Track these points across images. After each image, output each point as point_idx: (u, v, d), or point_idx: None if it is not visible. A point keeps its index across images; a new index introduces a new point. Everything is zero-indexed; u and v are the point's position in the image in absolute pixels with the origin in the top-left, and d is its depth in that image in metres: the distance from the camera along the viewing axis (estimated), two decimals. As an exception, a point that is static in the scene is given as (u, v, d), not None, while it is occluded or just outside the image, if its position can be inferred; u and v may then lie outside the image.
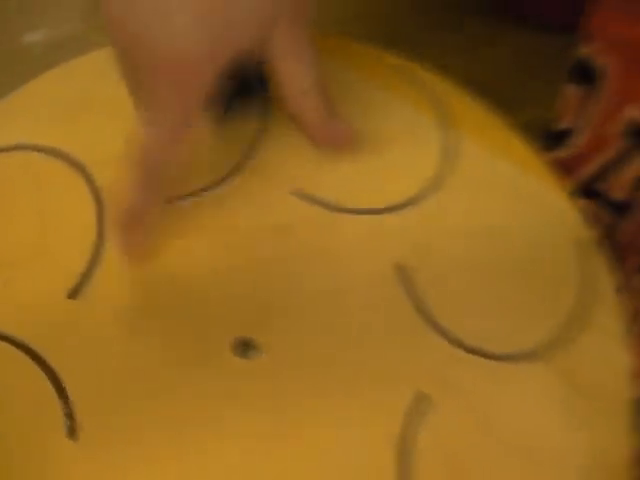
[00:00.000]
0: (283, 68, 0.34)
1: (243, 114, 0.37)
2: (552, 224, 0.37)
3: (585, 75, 0.37)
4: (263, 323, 0.33)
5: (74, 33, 0.47)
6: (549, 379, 0.33)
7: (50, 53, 0.47)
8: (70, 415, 0.30)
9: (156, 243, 0.34)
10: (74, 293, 0.33)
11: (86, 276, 0.33)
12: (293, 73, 0.35)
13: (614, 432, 0.32)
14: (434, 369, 0.33)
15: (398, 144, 0.38)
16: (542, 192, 0.37)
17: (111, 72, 0.33)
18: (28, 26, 0.48)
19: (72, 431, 0.30)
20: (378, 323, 0.33)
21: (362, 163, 0.37)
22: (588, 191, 0.38)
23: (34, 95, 0.38)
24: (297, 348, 0.33)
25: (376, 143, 0.37)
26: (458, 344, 0.33)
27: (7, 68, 0.46)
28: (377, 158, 0.37)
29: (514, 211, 0.37)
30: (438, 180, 0.37)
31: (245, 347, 0.32)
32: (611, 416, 0.33)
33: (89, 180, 0.35)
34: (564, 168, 0.38)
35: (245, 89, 0.36)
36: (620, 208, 0.37)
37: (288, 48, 0.34)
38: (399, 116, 0.39)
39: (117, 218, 0.33)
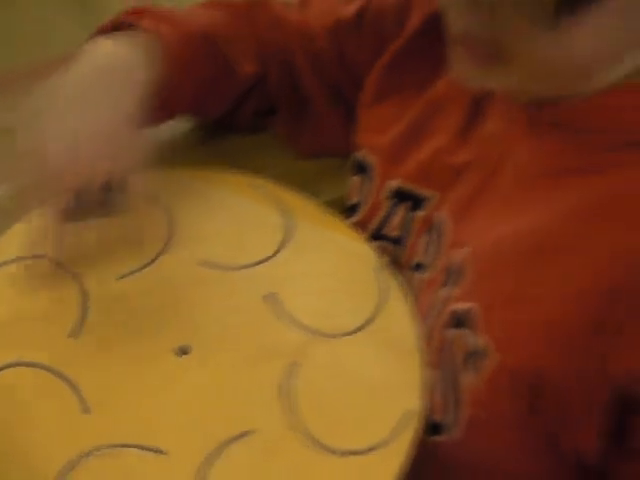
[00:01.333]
0: None
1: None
2: (359, 258, 0.60)
3: (361, 168, 0.62)
4: (191, 335, 0.54)
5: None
6: (370, 343, 0.55)
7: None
8: (83, 400, 0.50)
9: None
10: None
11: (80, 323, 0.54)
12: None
13: (413, 366, 0.54)
14: (298, 348, 0.54)
15: (258, 225, 0.61)
16: (349, 242, 0.61)
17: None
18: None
19: (86, 409, 0.50)
20: (261, 327, 0.55)
21: (236, 238, 0.60)
22: (377, 236, 0.62)
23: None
24: (209, 347, 0.54)
25: (242, 227, 0.61)
26: (311, 332, 0.55)
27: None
28: (245, 236, 0.60)
29: (337, 254, 0.60)
30: (286, 242, 0.60)
31: (182, 351, 0.53)
32: (411, 358, 0.54)
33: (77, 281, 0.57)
34: (360, 226, 0.62)
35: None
36: (397, 241, 0.61)
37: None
38: (254, 210, 0.62)
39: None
